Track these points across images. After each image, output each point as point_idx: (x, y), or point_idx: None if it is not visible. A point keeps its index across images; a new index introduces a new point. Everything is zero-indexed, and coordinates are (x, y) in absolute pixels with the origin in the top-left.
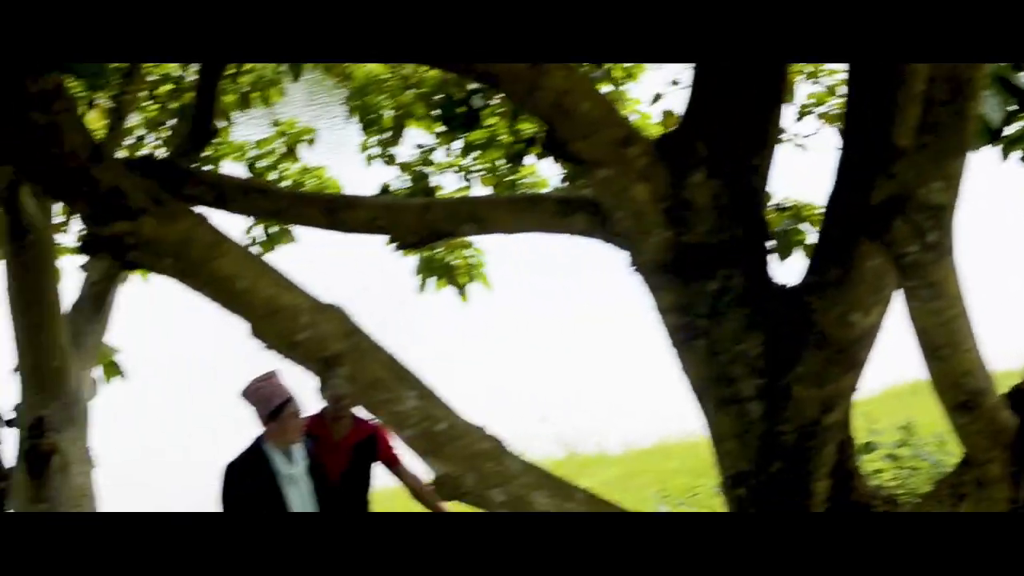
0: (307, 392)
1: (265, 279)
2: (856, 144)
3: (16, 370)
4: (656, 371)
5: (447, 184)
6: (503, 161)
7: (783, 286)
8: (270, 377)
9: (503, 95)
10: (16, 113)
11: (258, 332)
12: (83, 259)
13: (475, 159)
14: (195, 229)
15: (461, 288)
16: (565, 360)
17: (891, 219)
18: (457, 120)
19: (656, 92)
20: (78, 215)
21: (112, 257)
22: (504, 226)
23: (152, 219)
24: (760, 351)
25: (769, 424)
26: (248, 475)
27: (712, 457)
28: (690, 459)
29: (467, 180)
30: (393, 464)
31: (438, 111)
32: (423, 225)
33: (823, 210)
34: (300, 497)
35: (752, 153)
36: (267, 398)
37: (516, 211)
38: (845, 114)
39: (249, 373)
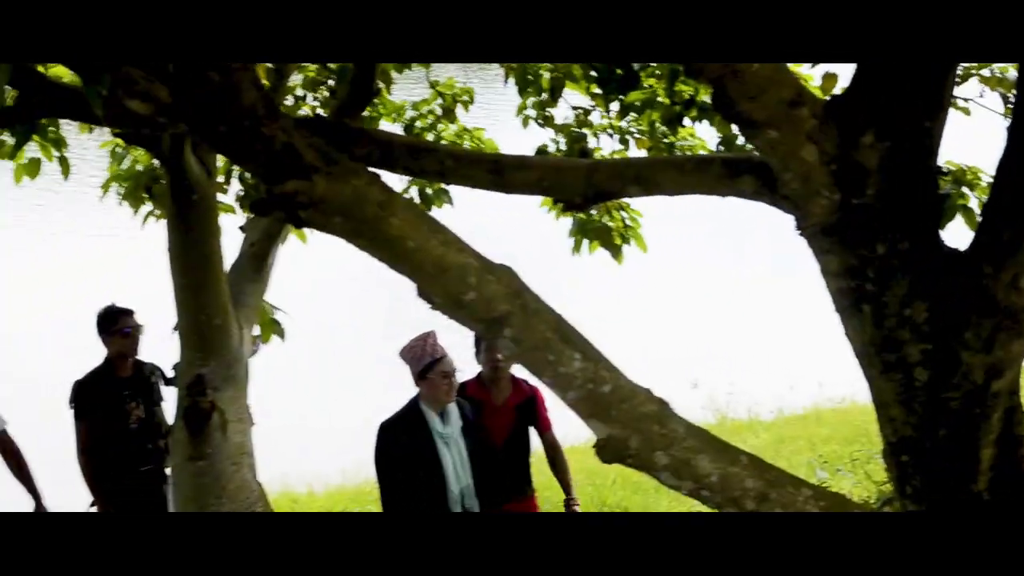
0: (464, 355)
1: (435, 239)
2: None
3: (176, 328)
4: (807, 337)
5: (604, 146)
6: (660, 123)
7: (952, 250)
8: (425, 337)
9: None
10: (193, 72)
11: (425, 292)
12: (242, 219)
13: (632, 121)
14: (366, 188)
15: (616, 250)
16: (717, 325)
17: None
18: (615, 82)
19: None
20: (238, 175)
21: (284, 216)
22: (669, 187)
23: (324, 178)
24: (927, 316)
25: (935, 390)
26: (403, 434)
27: (864, 424)
28: (842, 426)
29: (623, 143)
30: (544, 429)
31: (595, 73)
32: (589, 186)
33: (987, 174)
34: (455, 457)
35: (923, 115)
36: (418, 357)
37: (682, 172)
38: (1018, 77)
39: (403, 336)
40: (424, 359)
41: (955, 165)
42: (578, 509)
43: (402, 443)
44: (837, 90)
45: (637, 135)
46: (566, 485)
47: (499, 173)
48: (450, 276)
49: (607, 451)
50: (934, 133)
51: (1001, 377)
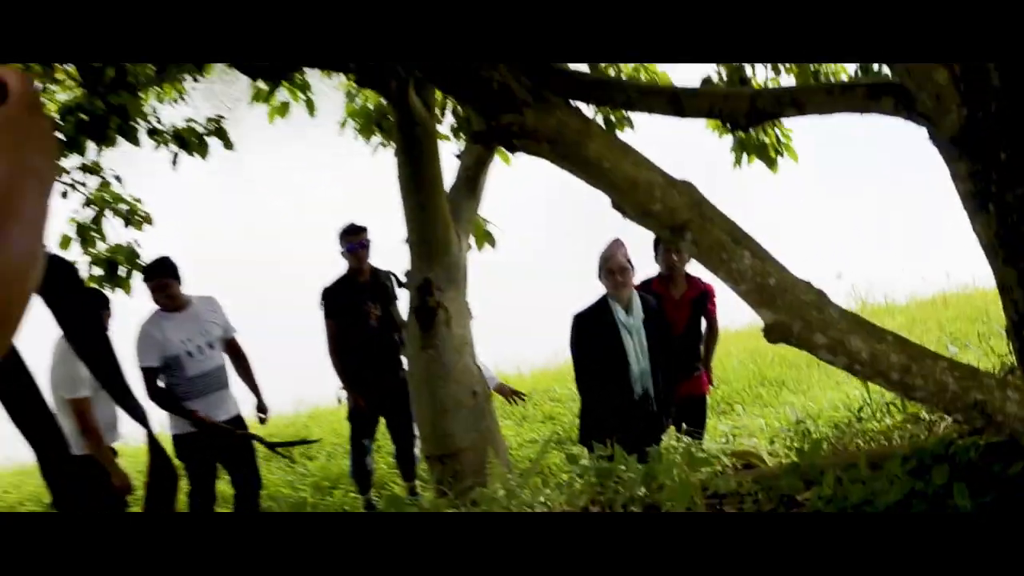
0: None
1: (626, 159)
2: None
3: (406, 241)
4: (932, 231)
5: (758, 75)
6: None
7: None
8: (611, 242)
9: None
10: None
11: (619, 204)
12: (456, 147)
13: None
14: (568, 118)
15: (771, 162)
16: (860, 222)
17: None
18: None
19: None
20: (451, 110)
21: (501, 144)
22: (821, 108)
23: (533, 111)
24: None
25: None
26: (592, 323)
27: (985, 306)
28: (966, 308)
29: (776, 71)
30: (711, 318)
31: None
32: (754, 109)
33: None
34: (636, 344)
35: None
36: (600, 257)
37: (831, 96)
38: None
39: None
40: (600, 258)
41: None
42: (712, 381)
43: (590, 330)
44: None
45: (787, 63)
46: (708, 357)
47: (676, 102)
48: (640, 191)
49: (774, 333)
50: None
51: None
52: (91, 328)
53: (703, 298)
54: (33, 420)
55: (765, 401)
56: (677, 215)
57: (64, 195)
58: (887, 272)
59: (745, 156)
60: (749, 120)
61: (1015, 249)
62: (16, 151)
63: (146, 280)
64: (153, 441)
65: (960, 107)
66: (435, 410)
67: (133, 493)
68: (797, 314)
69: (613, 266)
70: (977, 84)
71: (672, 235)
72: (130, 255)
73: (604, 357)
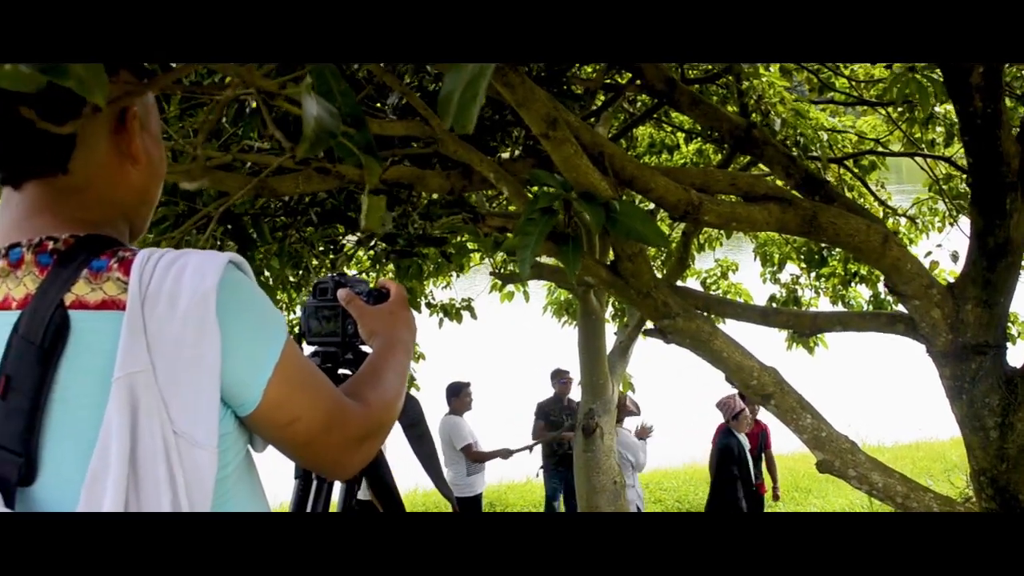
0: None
1: (737, 352)
2: None
3: (580, 383)
4: (909, 400)
5: (805, 295)
6: (839, 284)
7: (1012, 367)
8: (731, 396)
9: (843, 250)
10: (617, 258)
11: (729, 379)
12: (616, 329)
13: (823, 283)
14: (702, 323)
15: (811, 349)
16: (861, 387)
17: None
18: (815, 261)
19: (928, 250)
20: (611, 302)
21: (661, 339)
22: (857, 328)
23: (683, 318)
24: (999, 403)
25: (1001, 443)
26: (728, 440)
27: (943, 451)
28: (930, 452)
29: (817, 294)
30: (767, 447)
31: (804, 255)
32: (814, 326)
33: None
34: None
35: (1001, 295)
36: (729, 407)
37: (864, 319)
38: None
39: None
40: (733, 408)
41: (1014, 314)
42: (779, 494)
43: (729, 444)
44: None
45: (824, 289)
46: (774, 479)
47: (765, 316)
48: (744, 371)
49: (823, 467)
50: (1006, 302)
51: None
52: (424, 435)
53: (764, 434)
54: (380, 485)
55: (798, 501)
56: (767, 388)
57: None
58: (879, 424)
59: (795, 345)
60: (810, 332)
61: (977, 425)
62: (394, 330)
63: (462, 391)
64: (454, 507)
65: (947, 334)
66: (589, 489)
67: None
68: (838, 455)
69: (745, 415)
70: (960, 321)
71: (762, 401)
72: (409, 380)
73: (738, 460)
